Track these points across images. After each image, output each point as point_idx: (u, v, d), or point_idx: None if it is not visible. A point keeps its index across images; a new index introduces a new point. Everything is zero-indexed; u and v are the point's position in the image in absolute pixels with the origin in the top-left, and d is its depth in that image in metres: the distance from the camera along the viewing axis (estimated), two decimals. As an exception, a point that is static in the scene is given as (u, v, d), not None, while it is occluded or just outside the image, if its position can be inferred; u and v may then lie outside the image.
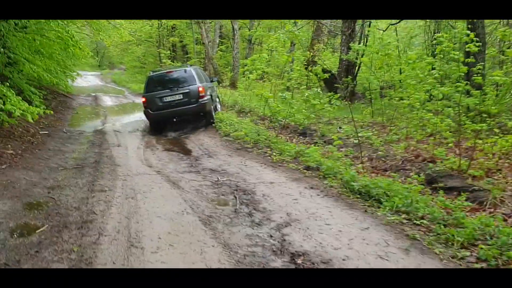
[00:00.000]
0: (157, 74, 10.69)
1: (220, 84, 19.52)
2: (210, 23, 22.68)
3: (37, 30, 10.46)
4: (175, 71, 10.78)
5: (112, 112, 13.37)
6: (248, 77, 15.59)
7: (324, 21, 19.88)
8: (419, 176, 5.66)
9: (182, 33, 29.03)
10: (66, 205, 4.69)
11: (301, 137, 9.40)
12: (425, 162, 6.62)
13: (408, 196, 4.67)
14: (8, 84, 7.36)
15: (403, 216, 4.26)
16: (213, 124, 10.30)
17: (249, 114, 12.57)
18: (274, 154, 7.27)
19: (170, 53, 28.82)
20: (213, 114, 10.92)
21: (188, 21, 28.59)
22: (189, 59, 27.57)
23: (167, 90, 10.09)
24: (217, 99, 12.93)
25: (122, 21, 20.32)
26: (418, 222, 4.07)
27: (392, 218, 4.20)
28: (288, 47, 20.17)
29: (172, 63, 25.81)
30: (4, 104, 6.76)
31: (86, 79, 29.61)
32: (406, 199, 4.59)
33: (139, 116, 12.90)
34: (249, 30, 25.80)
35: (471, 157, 6.09)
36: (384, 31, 14.94)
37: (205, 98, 10.20)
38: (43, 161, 6.72)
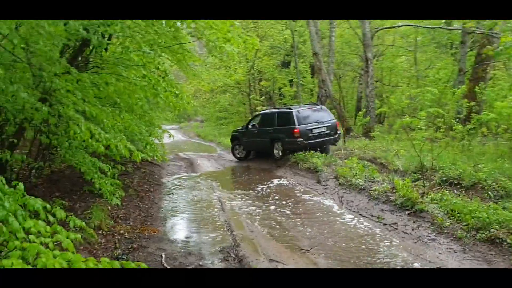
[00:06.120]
0: (302, 110, 11.59)
1: (350, 134, 14.64)
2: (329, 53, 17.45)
3: (112, 67, 5.66)
4: (314, 108, 11.88)
5: (223, 189, 8.11)
6: (418, 127, 8.75)
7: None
8: None
9: (275, 76, 24.11)
10: None
11: None
12: None
13: None
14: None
15: None
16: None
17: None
18: None
19: (260, 99, 24.02)
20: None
21: (277, 63, 23.77)
22: (273, 104, 22.37)
23: (314, 123, 11.24)
24: None
25: (203, 68, 15.51)
26: None
27: None
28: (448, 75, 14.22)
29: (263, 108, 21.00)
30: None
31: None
32: None
33: (276, 193, 7.44)
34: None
35: None
36: None
37: (339, 131, 11.86)
38: None
